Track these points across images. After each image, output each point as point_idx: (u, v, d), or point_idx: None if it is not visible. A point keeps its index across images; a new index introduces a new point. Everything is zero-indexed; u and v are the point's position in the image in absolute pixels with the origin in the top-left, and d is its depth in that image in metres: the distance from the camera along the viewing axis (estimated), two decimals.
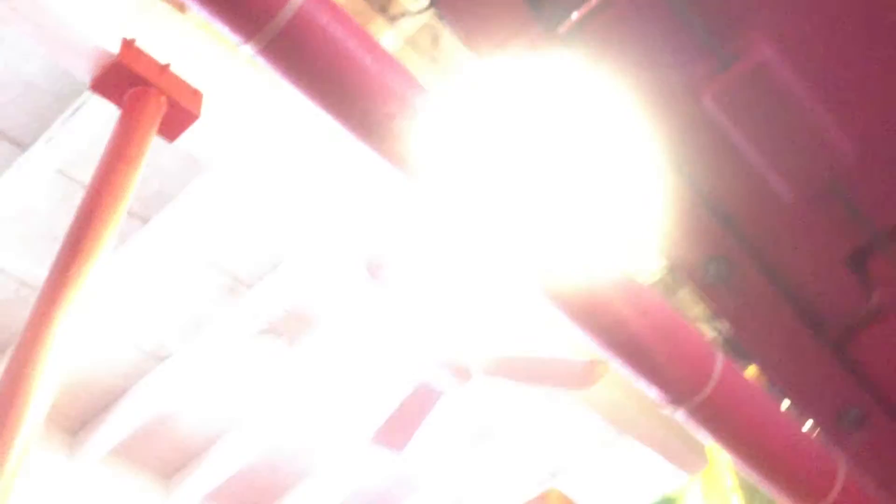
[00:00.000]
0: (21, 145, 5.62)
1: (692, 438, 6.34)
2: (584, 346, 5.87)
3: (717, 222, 1.04)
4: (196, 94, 4.60)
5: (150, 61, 4.43)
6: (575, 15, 1.12)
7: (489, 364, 5.23)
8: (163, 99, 4.43)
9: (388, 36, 4.83)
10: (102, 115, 5.17)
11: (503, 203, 1.66)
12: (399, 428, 5.61)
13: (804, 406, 1.20)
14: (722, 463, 5.23)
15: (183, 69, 4.50)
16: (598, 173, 1.39)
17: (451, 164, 1.63)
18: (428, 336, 5.10)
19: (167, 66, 4.44)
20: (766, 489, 2.13)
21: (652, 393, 1.93)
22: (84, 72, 4.50)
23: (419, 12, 4.73)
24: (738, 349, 1.92)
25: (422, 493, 7.87)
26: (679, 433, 6.58)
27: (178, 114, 4.53)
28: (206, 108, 4.62)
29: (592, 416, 6.67)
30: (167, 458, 7.45)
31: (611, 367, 5.20)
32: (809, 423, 2.09)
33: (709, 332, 4.61)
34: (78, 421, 7.09)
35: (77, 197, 4.28)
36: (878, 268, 1.04)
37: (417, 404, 5.43)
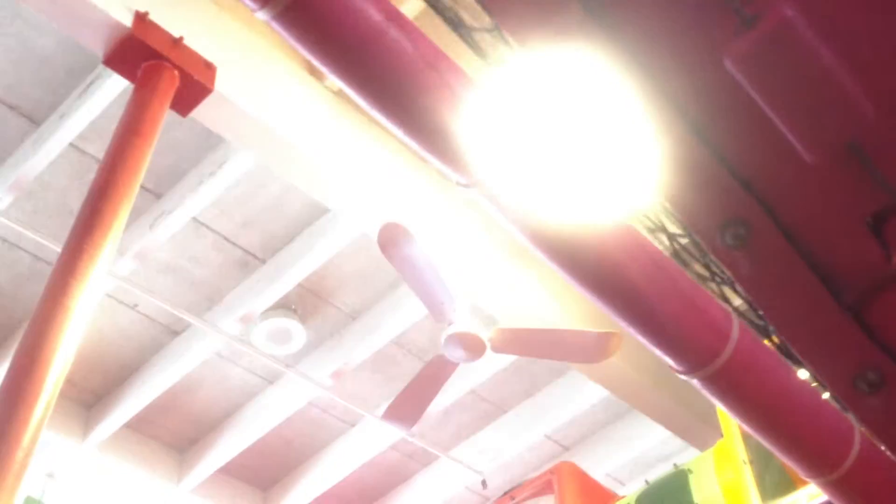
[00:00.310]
0: (35, 120, 5.64)
1: (704, 413, 6.35)
2: (598, 320, 5.87)
3: (737, 185, 1.03)
4: (210, 68, 4.58)
5: (164, 34, 4.41)
6: None
7: (503, 336, 5.22)
8: (176, 73, 4.41)
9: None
10: (116, 89, 5.18)
11: (519, 166, 1.66)
12: (410, 403, 5.62)
13: (820, 369, 1.20)
14: (735, 436, 5.22)
15: (196, 42, 4.49)
16: (615, 139, 1.38)
17: (473, 132, 1.62)
18: (442, 307, 5.10)
19: (180, 39, 4.42)
20: (782, 458, 2.13)
21: (666, 360, 1.93)
22: (97, 46, 4.49)
23: None
24: (753, 324, 1.91)
25: (434, 467, 7.92)
26: (690, 408, 6.59)
27: (192, 87, 4.50)
28: (220, 82, 4.61)
29: (605, 390, 6.67)
30: (181, 432, 7.52)
31: (624, 340, 5.20)
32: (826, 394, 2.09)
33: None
34: (93, 395, 7.15)
35: (91, 171, 4.29)
36: None
37: (430, 377, 5.44)
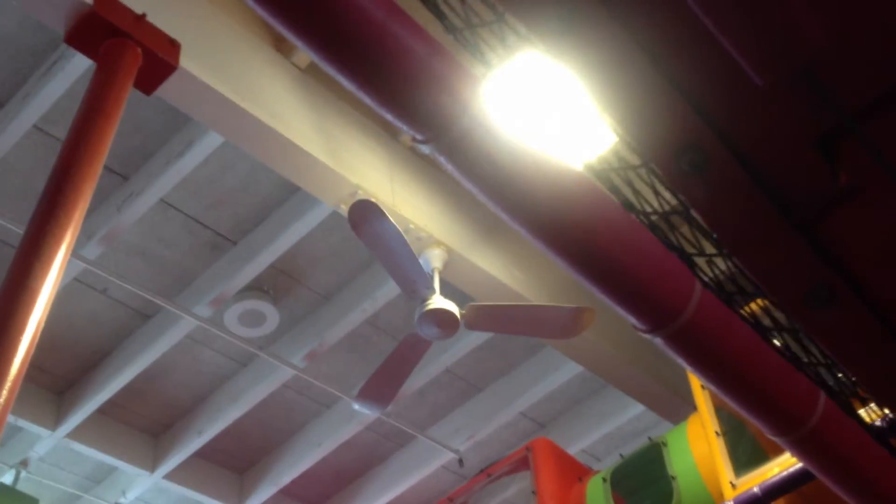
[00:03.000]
0: None
1: (678, 387, 6.38)
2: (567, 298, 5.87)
3: (692, 111, 1.02)
4: (174, 45, 4.50)
5: (126, 11, 4.33)
6: None
7: (476, 313, 5.21)
8: (139, 50, 4.33)
9: None
10: (80, 68, 5.10)
11: (481, 116, 1.63)
12: (384, 383, 5.60)
13: (772, 288, 1.20)
14: (708, 408, 5.25)
15: (160, 19, 4.42)
16: (572, 82, 1.36)
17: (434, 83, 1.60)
18: (415, 285, 5.07)
19: (143, 15, 4.35)
20: (747, 416, 2.13)
21: (629, 319, 1.92)
22: (59, 24, 4.41)
23: None
24: (729, 293, 1.90)
25: (410, 447, 7.92)
26: (665, 382, 6.62)
27: (156, 65, 4.42)
28: (186, 60, 4.54)
29: (579, 366, 6.69)
30: (155, 417, 7.46)
31: (598, 316, 5.20)
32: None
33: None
34: (64, 381, 7.08)
35: (56, 153, 4.22)
36: (846, 151, 1.03)
37: (404, 356, 5.41)
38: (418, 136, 1.72)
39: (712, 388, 2.09)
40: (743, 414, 2.15)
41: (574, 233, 1.84)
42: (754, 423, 2.15)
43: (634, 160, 1.32)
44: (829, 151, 1.03)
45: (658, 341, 1.93)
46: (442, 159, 1.75)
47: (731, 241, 1.17)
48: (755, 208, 1.09)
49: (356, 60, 1.63)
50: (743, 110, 1.03)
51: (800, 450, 2.20)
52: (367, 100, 1.72)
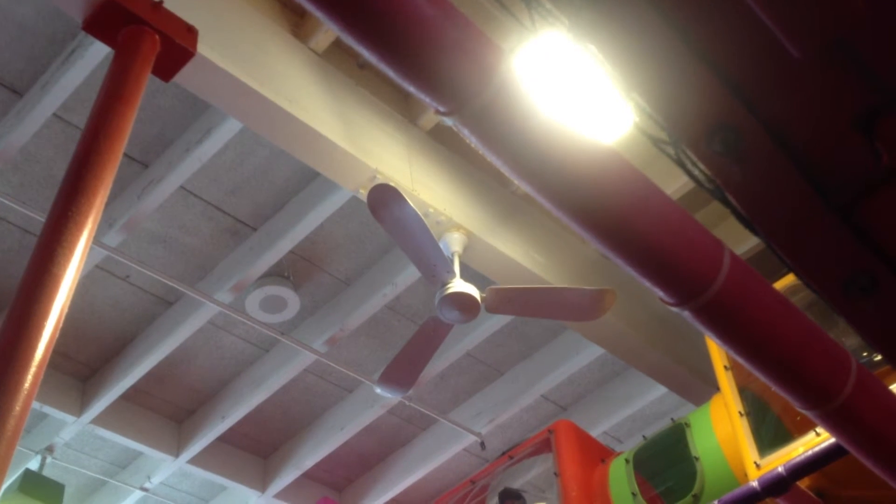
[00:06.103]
0: (17, 91, 5.56)
1: (700, 368, 6.35)
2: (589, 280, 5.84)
3: (725, 89, 1.00)
4: (191, 31, 4.49)
5: None
6: None
7: (497, 296, 5.20)
8: (157, 37, 4.33)
9: None
10: (98, 56, 5.11)
11: (506, 86, 1.61)
12: (405, 367, 5.60)
13: (810, 275, 1.17)
14: (731, 389, 5.22)
15: (177, 5, 4.41)
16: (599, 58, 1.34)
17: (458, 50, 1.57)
18: (435, 269, 5.06)
19: (161, 2, 4.34)
20: (777, 389, 2.11)
21: (657, 292, 1.89)
22: (77, 12, 4.41)
23: None
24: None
25: (432, 430, 7.93)
26: (686, 363, 6.59)
27: (173, 51, 4.41)
28: (203, 47, 4.53)
29: (600, 349, 6.67)
30: (178, 403, 7.51)
31: (619, 297, 5.18)
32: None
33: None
34: (88, 368, 7.13)
35: (76, 142, 4.22)
36: (888, 129, 1.00)
37: (424, 340, 5.41)
38: (441, 108, 1.70)
39: (741, 361, 2.06)
40: (772, 387, 2.12)
41: (599, 204, 1.80)
42: (784, 396, 2.12)
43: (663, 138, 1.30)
44: (870, 129, 0.99)
45: (686, 315, 1.91)
46: (465, 132, 1.73)
47: (766, 225, 1.14)
48: (791, 190, 1.06)
49: (376, 29, 1.60)
50: (778, 85, 1.00)
51: (831, 423, 2.17)
52: (388, 71, 1.70)
